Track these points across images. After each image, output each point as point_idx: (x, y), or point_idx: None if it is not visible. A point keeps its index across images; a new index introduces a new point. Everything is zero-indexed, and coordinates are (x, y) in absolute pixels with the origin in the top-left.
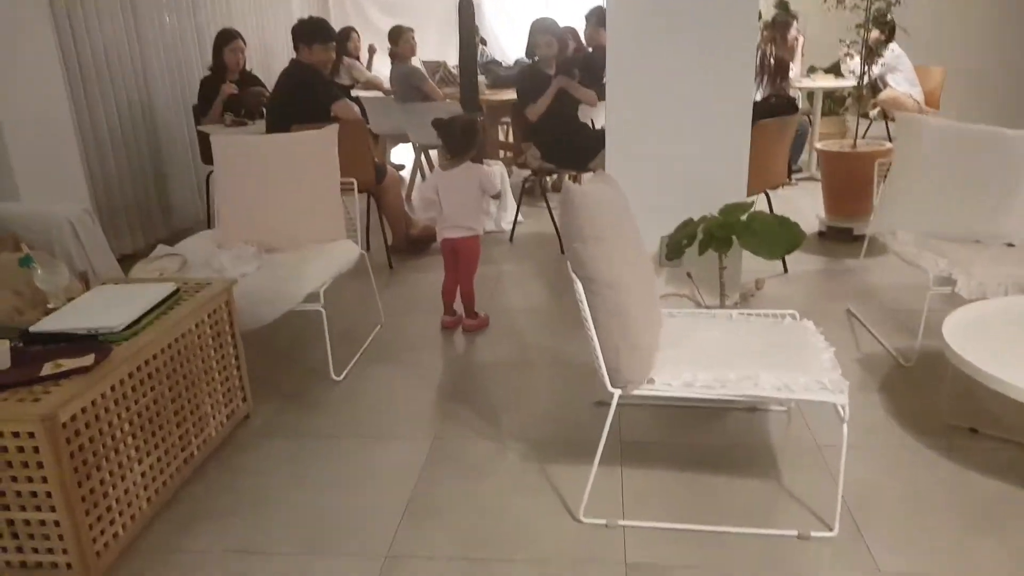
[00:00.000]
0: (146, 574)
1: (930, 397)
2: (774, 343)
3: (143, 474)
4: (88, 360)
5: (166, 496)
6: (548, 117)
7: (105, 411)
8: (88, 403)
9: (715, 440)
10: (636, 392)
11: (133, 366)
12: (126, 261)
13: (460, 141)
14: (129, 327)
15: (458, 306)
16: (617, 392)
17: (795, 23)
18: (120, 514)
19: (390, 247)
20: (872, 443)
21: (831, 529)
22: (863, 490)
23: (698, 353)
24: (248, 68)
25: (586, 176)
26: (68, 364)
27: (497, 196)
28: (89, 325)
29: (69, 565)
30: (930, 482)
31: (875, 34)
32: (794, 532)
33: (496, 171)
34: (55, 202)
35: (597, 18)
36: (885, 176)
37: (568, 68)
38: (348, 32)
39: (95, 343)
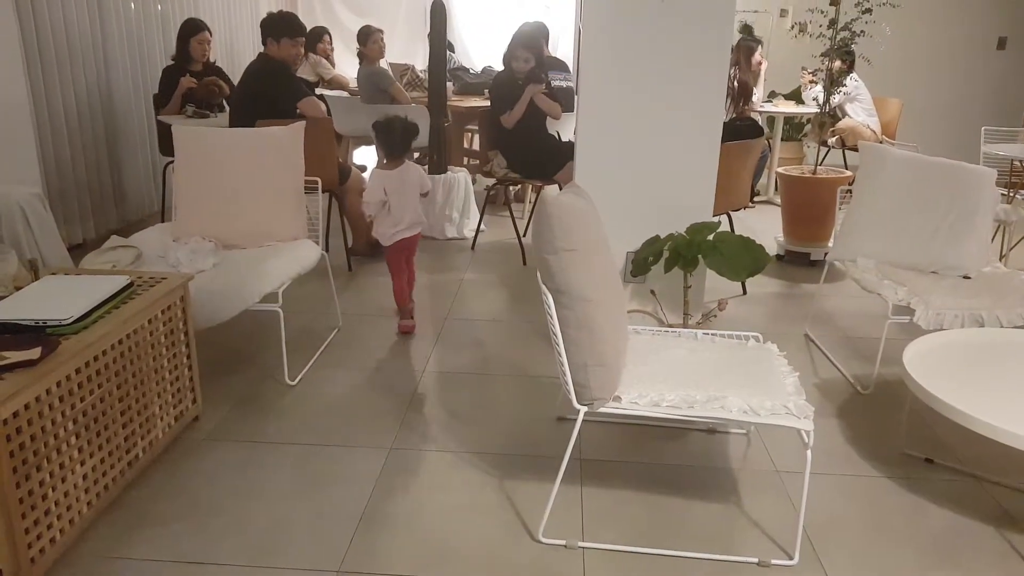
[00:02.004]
0: None
1: (887, 425)
2: (739, 365)
3: (85, 476)
4: (34, 353)
5: (108, 500)
6: (516, 126)
7: (49, 408)
8: (32, 399)
9: (675, 460)
10: (602, 409)
11: (81, 361)
12: (76, 251)
13: (400, 143)
14: (79, 320)
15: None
16: (583, 409)
17: (759, 48)
18: (58, 518)
19: (350, 249)
20: (831, 470)
21: (791, 557)
22: (822, 518)
23: (664, 372)
24: (212, 60)
25: (550, 188)
26: (13, 357)
27: (426, 195)
28: (37, 316)
29: (0, 571)
30: (888, 511)
31: (837, 64)
32: (754, 559)
33: (461, 177)
34: (6, 185)
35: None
36: (842, 203)
37: (537, 74)
38: (320, 33)
39: (42, 335)
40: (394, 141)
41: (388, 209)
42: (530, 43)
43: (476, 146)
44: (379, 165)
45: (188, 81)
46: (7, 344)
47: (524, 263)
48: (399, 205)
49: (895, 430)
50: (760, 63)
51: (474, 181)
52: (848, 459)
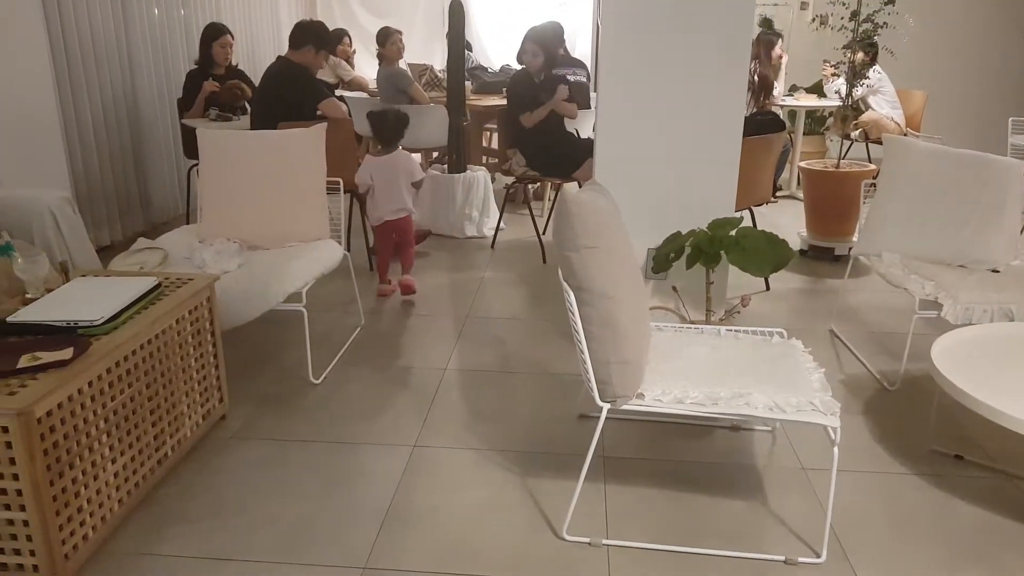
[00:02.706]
0: None
1: (915, 422)
2: (763, 361)
3: (116, 474)
4: (67, 353)
5: (138, 497)
6: (535, 125)
7: (81, 407)
8: (64, 398)
9: (699, 458)
10: (625, 407)
11: (112, 361)
12: (104, 253)
13: (392, 132)
14: (109, 321)
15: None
16: (606, 406)
17: (780, 41)
18: (91, 515)
19: (371, 248)
20: (858, 467)
21: (819, 555)
22: (849, 515)
23: (688, 369)
24: (234, 63)
25: (569, 185)
26: (46, 357)
27: (418, 185)
28: (68, 317)
29: (36, 567)
30: (916, 509)
31: (860, 56)
32: (781, 557)
33: (480, 176)
34: (36, 189)
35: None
36: (866, 197)
37: (555, 82)
38: (340, 35)
39: (74, 336)
40: (387, 130)
41: (373, 193)
42: (538, 38)
43: (495, 144)
44: (371, 151)
45: (211, 85)
46: (40, 345)
47: (544, 261)
48: (384, 191)
49: (923, 426)
50: (780, 56)
51: (493, 179)
52: (875, 456)
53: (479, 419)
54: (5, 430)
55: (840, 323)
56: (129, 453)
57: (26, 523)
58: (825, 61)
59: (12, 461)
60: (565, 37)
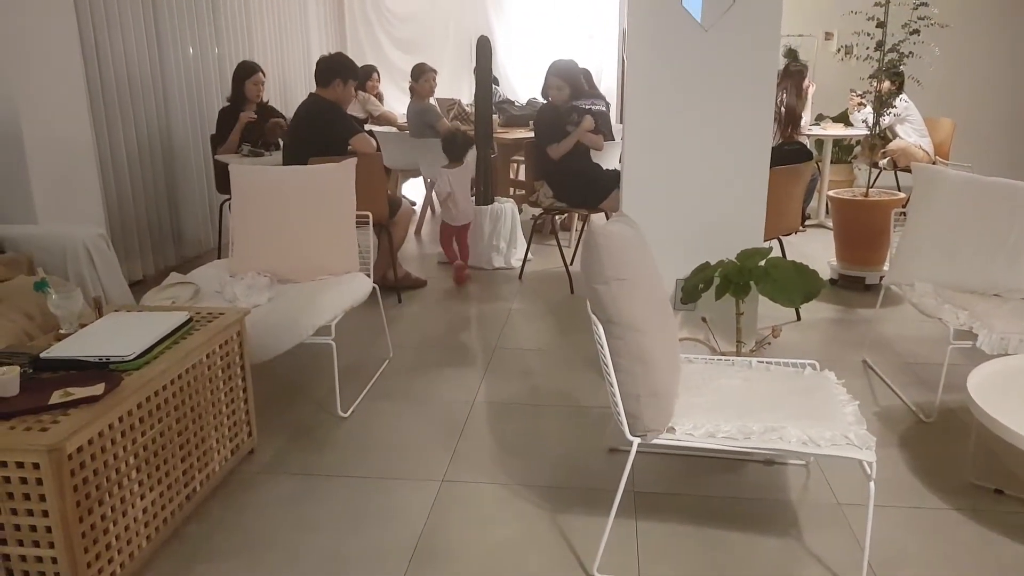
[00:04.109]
0: None
1: (953, 455)
2: (796, 394)
3: (145, 510)
4: (98, 389)
5: (166, 534)
6: (562, 157)
7: (111, 443)
8: (95, 434)
9: (732, 493)
10: (656, 441)
11: (143, 396)
12: (136, 287)
13: (460, 150)
14: (140, 356)
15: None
16: (636, 441)
17: (808, 73)
18: (119, 552)
19: (398, 281)
20: (895, 502)
21: None
22: (887, 553)
23: (719, 402)
24: (265, 100)
25: (597, 216)
26: (78, 393)
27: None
28: (100, 353)
29: None
30: (957, 545)
31: (886, 85)
32: None
33: (508, 207)
34: (71, 225)
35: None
36: (896, 225)
37: (578, 113)
38: (370, 71)
39: (106, 372)
40: (456, 148)
41: (454, 198)
42: (562, 72)
43: (522, 176)
44: (444, 166)
45: (247, 116)
46: (72, 380)
47: (572, 291)
48: (462, 194)
49: (961, 460)
50: (808, 88)
51: (520, 211)
52: (913, 491)
53: (508, 453)
54: (36, 466)
55: (873, 353)
56: (158, 489)
57: (55, 560)
58: (852, 91)
59: (42, 497)
60: (590, 71)
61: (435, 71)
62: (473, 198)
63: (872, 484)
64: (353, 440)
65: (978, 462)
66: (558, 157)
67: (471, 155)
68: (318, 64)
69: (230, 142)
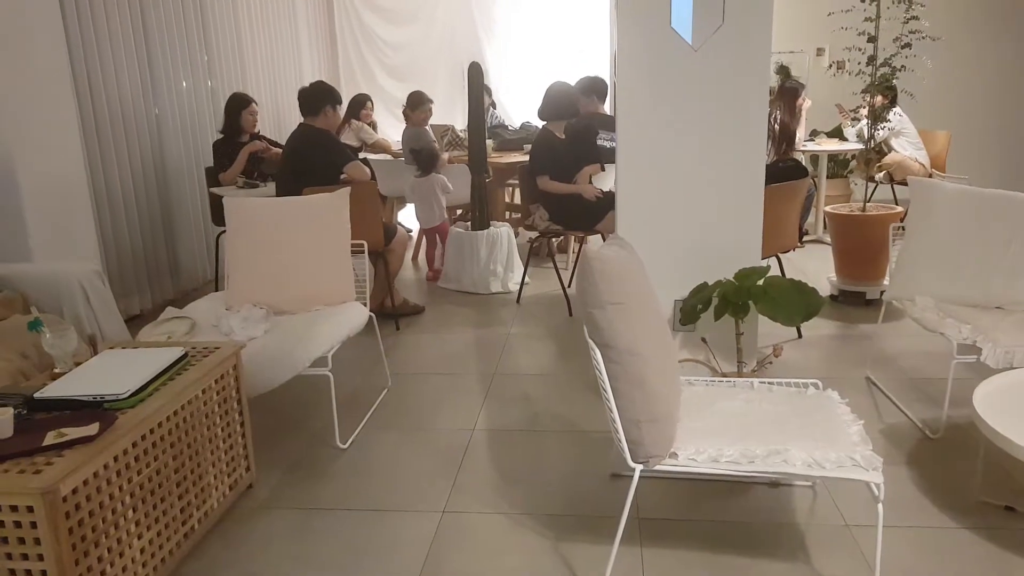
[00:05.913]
0: None
1: (961, 472)
2: (799, 415)
3: (142, 550)
4: (92, 429)
5: (164, 574)
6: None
7: (107, 483)
8: (90, 474)
9: (738, 517)
10: (659, 467)
11: (138, 435)
12: (134, 322)
13: (428, 163)
14: (135, 394)
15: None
16: (639, 467)
17: (803, 90)
18: None
19: (396, 308)
20: (904, 522)
21: None
22: (898, 574)
23: (721, 425)
24: (257, 130)
25: (592, 238)
26: (72, 433)
27: (450, 192)
28: (95, 391)
29: None
30: (969, 566)
31: (879, 99)
32: None
33: (504, 232)
34: (66, 261)
35: (582, 88)
36: (895, 239)
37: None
38: (363, 100)
39: (100, 411)
40: (422, 160)
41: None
42: (581, 89)
43: (518, 200)
44: (415, 175)
45: (252, 146)
46: (66, 421)
47: (570, 314)
48: (425, 201)
49: (970, 477)
50: (802, 105)
51: (516, 235)
52: (922, 510)
53: (509, 481)
54: (30, 510)
55: (876, 370)
56: (155, 528)
57: None
58: (837, 105)
59: (37, 541)
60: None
61: (432, 101)
62: (443, 209)
63: (880, 506)
64: (353, 472)
65: (987, 479)
66: (547, 191)
67: (465, 180)
68: (303, 94)
69: (235, 167)
